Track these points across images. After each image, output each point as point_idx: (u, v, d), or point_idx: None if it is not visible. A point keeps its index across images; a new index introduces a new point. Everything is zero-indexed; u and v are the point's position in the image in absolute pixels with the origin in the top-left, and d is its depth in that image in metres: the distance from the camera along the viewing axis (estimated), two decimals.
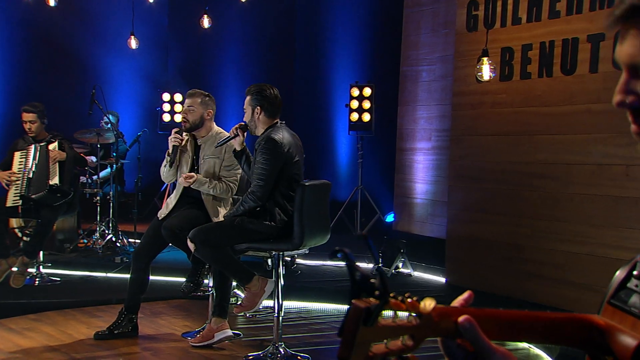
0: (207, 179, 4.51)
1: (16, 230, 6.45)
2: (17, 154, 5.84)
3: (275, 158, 4.05)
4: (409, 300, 0.90)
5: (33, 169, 5.78)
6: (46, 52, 9.22)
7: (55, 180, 5.73)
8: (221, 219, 4.55)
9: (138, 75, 10.03)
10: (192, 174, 4.49)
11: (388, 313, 0.90)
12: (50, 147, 5.82)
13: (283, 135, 4.12)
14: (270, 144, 4.04)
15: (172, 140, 4.57)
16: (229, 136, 4.31)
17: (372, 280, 0.88)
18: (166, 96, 9.44)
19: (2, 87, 8.81)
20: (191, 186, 4.48)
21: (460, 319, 0.93)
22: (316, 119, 9.56)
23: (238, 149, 4.30)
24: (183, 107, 4.66)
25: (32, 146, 5.84)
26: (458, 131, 5.98)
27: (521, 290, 5.37)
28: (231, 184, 4.60)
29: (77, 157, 6.08)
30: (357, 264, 0.89)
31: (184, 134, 4.64)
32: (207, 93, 4.68)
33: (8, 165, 5.83)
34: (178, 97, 9.41)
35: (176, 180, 4.75)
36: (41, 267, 5.99)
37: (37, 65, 9.12)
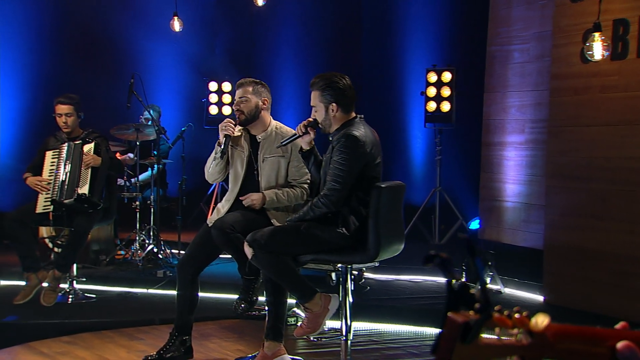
0: (276, 192, 4.51)
1: (47, 240, 6.58)
2: (49, 154, 5.93)
3: (356, 158, 4.01)
4: (516, 315, 0.90)
5: (66, 170, 5.86)
6: (78, 37, 9.40)
7: (84, 189, 5.75)
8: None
9: (182, 62, 10.14)
10: (258, 196, 4.49)
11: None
12: (85, 148, 5.86)
13: (365, 132, 4.07)
14: (351, 141, 4.00)
15: (223, 129, 4.56)
16: (295, 134, 4.27)
17: (472, 291, 0.89)
18: (213, 85, 9.52)
19: (30, 77, 9.02)
20: (265, 206, 4.50)
21: (620, 345, 0.92)
22: (386, 110, 9.49)
23: (306, 148, 4.26)
24: (235, 99, 4.65)
25: (66, 144, 5.93)
26: (558, 121, 5.83)
27: (638, 312, 5.16)
28: (304, 185, 4.57)
29: (113, 162, 6.12)
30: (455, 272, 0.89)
31: (238, 128, 4.64)
32: (258, 80, 4.70)
33: (39, 167, 5.94)
34: (227, 86, 9.47)
35: (226, 179, 4.75)
36: (74, 282, 6.08)
37: (68, 52, 9.31)
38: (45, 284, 5.80)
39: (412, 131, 9.50)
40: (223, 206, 4.64)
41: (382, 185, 4.06)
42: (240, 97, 4.60)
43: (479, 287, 0.88)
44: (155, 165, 7.08)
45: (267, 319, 4.39)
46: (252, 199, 4.49)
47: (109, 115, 8.19)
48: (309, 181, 4.62)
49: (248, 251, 4.08)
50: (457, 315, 0.88)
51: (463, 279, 0.88)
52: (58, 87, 8.23)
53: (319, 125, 4.20)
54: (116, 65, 9.39)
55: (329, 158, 4.09)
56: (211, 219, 4.63)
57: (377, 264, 4.42)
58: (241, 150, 4.66)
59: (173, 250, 7.27)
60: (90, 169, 5.80)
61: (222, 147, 4.54)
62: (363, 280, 6.36)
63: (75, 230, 5.80)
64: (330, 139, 4.18)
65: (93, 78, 9.13)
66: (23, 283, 5.87)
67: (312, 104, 4.20)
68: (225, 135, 4.55)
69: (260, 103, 4.62)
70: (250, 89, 4.60)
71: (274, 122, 4.71)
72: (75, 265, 6.04)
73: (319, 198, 4.04)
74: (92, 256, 6.96)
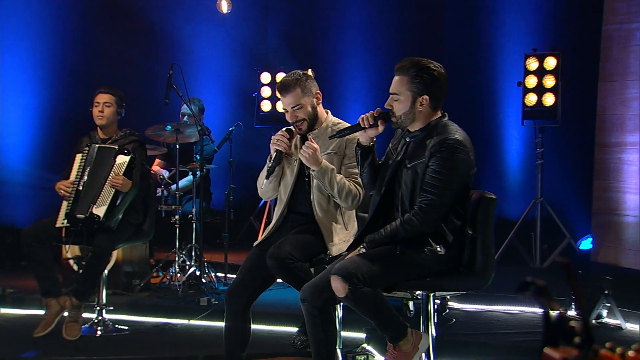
0: (334, 168, 4.48)
1: (71, 261, 6.67)
2: (79, 157, 5.98)
3: (461, 168, 3.96)
4: (630, 353, 0.91)
5: (84, 178, 5.88)
6: (108, 22, 9.54)
7: (100, 211, 5.74)
8: (338, 243, 4.48)
9: (229, 50, 10.21)
10: (314, 144, 4.43)
11: None
12: (119, 160, 5.86)
13: (464, 135, 4.02)
14: (456, 148, 3.93)
15: (275, 143, 4.57)
16: (357, 124, 4.19)
17: (573, 324, 0.93)
18: (266, 77, 9.56)
19: (53, 69, 9.17)
20: (313, 173, 4.46)
21: None
22: (475, 105, 9.42)
23: (365, 143, 4.19)
24: (285, 109, 4.65)
25: (95, 147, 5.96)
26: None
27: None
28: (359, 188, 4.52)
29: (143, 182, 6.12)
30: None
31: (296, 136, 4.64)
32: (300, 73, 4.65)
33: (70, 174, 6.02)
34: (281, 77, 9.47)
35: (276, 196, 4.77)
36: (103, 311, 6.13)
37: (97, 40, 9.43)
38: (66, 313, 5.86)
39: (507, 130, 9.40)
40: (271, 224, 4.70)
41: (493, 197, 4.05)
42: (293, 107, 4.58)
43: (580, 319, 0.90)
44: (198, 172, 7.09)
45: (314, 356, 4.29)
46: (313, 148, 4.40)
47: (143, 113, 8.27)
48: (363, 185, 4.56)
49: (341, 287, 3.94)
50: (555, 351, 0.90)
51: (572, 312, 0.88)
52: (86, 80, 8.37)
53: (393, 119, 4.12)
54: (153, 55, 9.50)
55: (421, 165, 3.98)
56: (260, 241, 4.68)
57: (460, 292, 4.41)
58: (292, 154, 4.67)
59: (219, 274, 7.29)
60: (114, 190, 5.80)
61: (271, 164, 4.57)
62: (447, 310, 6.29)
63: (94, 251, 5.81)
64: (408, 139, 4.10)
65: (125, 69, 9.25)
66: (43, 312, 5.92)
67: (393, 91, 4.08)
68: (277, 151, 4.57)
69: (315, 100, 4.62)
70: (299, 90, 4.57)
71: (331, 118, 4.70)
72: (104, 291, 6.09)
73: (413, 215, 3.95)
74: (124, 280, 7.01)
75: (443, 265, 3.99)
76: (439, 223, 3.97)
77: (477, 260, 4.02)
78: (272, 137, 4.60)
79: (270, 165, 4.57)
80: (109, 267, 6.13)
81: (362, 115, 4.12)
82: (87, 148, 5.97)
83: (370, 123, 4.09)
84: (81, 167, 5.93)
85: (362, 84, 9.87)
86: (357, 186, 4.53)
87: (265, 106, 9.53)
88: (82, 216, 5.75)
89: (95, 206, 5.76)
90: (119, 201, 5.82)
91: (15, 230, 8.45)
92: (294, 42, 10.43)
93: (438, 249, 3.96)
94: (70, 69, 9.14)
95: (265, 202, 9.15)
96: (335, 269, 3.92)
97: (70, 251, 6.59)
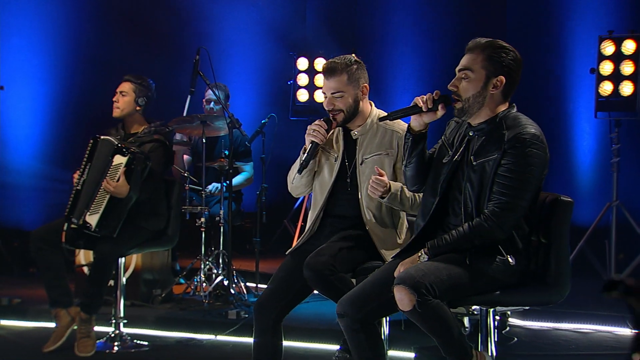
0: (403, 187, 4.41)
1: (85, 268, 6.70)
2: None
3: (542, 168, 3.89)
4: None
5: (84, 176, 5.81)
6: (127, 2, 9.60)
7: (92, 219, 5.67)
8: (393, 253, 4.45)
9: (262, 33, 10.22)
10: (384, 177, 4.38)
11: None
12: (115, 161, 5.74)
13: (540, 130, 3.92)
14: (536, 142, 3.85)
15: (311, 133, 4.56)
16: (412, 106, 4.12)
17: None
18: (303, 63, 9.54)
19: (67, 54, 9.24)
20: (383, 201, 4.41)
21: None
22: (541, 95, 9.36)
23: (418, 129, 4.13)
24: (324, 93, 4.64)
25: (99, 140, 5.89)
26: None
27: None
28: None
29: (168, 183, 6.11)
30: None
31: (334, 131, 4.63)
32: (351, 59, 4.62)
33: None
34: (321, 63, 9.47)
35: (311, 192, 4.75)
36: (121, 324, 6.14)
37: (116, 22, 9.50)
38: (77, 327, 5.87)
39: (578, 123, 9.34)
40: (306, 230, 4.69)
41: (569, 200, 4.01)
42: (333, 93, 4.56)
43: None
44: (227, 169, 7.03)
45: None
46: (378, 178, 4.35)
47: (166, 102, 8.29)
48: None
49: (407, 299, 3.82)
50: None
51: None
52: (103, 65, 8.43)
53: (457, 104, 4.01)
54: (176, 38, 9.54)
55: (490, 162, 3.90)
56: (293, 248, 4.68)
57: (526, 307, 4.40)
58: (332, 151, 4.67)
59: (249, 284, 7.29)
60: (109, 195, 5.70)
61: (305, 156, 4.55)
62: (508, 328, 6.26)
63: (95, 259, 5.82)
64: (472, 134, 4.04)
65: (147, 53, 9.28)
66: (54, 325, 5.94)
67: (464, 66, 3.98)
68: (312, 142, 4.55)
69: (360, 93, 4.60)
70: (345, 77, 4.55)
71: (375, 111, 4.67)
72: (122, 302, 6.09)
73: (485, 220, 3.86)
74: (144, 290, 7.03)
75: (514, 278, 3.93)
76: (512, 230, 3.91)
77: (550, 272, 3.97)
78: (308, 127, 4.58)
79: (303, 158, 4.56)
80: (127, 274, 6.15)
81: (418, 97, 4.03)
82: (91, 141, 5.88)
83: (429, 107, 4.00)
84: (83, 162, 5.85)
85: (412, 71, 9.84)
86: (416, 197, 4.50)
87: (302, 96, 9.51)
88: (75, 223, 5.70)
89: (88, 213, 5.70)
90: (114, 208, 5.72)
91: (22, 232, 8.51)
92: (336, 24, 10.42)
93: (509, 259, 3.91)
94: (85, 53, 9.18)
95: (302, 204, 9.14)
96: (400, 278, 3.80)
97: (84, 257, 6.62)
